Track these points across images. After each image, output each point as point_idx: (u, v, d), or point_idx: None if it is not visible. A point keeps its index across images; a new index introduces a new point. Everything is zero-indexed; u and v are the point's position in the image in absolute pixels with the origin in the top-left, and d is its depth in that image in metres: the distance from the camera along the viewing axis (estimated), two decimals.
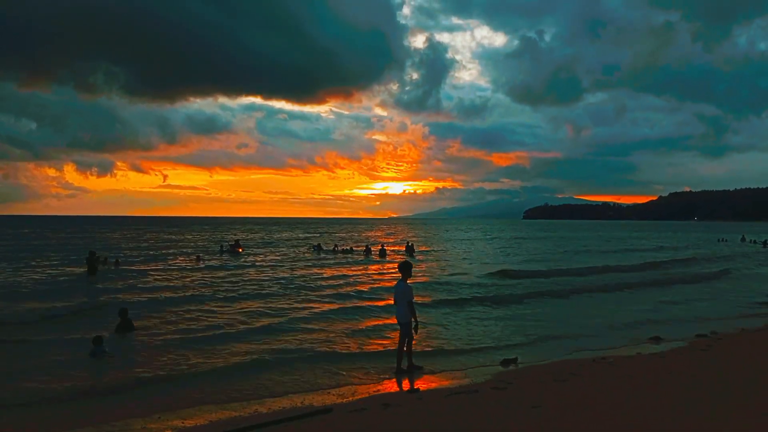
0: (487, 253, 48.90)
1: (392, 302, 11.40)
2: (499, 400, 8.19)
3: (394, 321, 15.79)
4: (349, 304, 19.08)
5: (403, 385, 10.03)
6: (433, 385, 9.90)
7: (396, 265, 14.35)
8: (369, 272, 30.92)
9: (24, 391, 9.57)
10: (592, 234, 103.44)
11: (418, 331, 11.01)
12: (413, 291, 10.92)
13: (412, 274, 10.93)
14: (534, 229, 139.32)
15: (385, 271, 31.46)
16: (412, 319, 10.60)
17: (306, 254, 45.39)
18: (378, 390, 9.74)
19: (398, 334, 11.01)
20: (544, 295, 21.86)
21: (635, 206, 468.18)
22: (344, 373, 10.94)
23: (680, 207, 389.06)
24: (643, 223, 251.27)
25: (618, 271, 32.90)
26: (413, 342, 11.00)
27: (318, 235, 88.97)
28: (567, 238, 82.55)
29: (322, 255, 44.34)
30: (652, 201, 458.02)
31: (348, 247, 49.86)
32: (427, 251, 50.40)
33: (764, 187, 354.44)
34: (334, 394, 9.47)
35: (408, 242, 52.05)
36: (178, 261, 37.47)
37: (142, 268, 31.88)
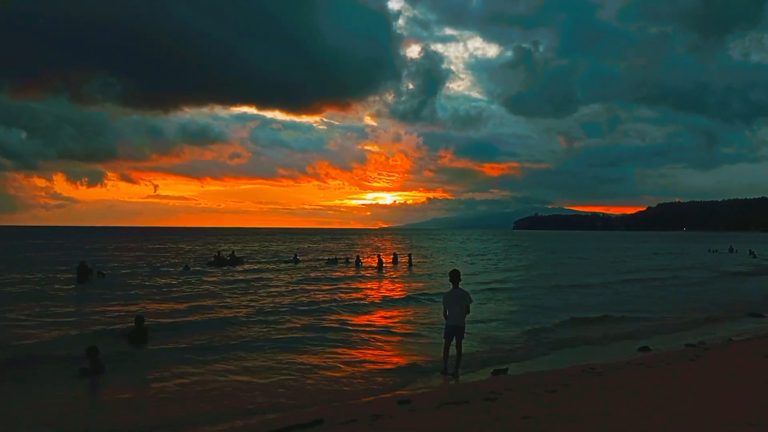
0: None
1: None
2: (489, 411, 8.21)
3: (376, 322, 15.80)
4: (338, 315, 19.09)
5: (394, 396, 10.03)
6: (425, 396, 9.91)
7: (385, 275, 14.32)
8: (361, 283, 30.87)
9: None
10: (595, 246, 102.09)
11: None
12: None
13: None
14: (545, 241, 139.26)
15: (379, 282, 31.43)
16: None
17: (284, 265, 44.89)
18: (369, 401, 9.73)
19: (444, 340, 11.53)
20: None
21: (624, 217, 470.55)
22: (335, 383, 10.94)
23: (669, 218, 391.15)
24: (635, 234, 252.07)
25: None
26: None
27: (310, 245, 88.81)
28: (592, 250, 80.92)
29: (307, 266, 43.89)
30: (641, 212, 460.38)
31: (332, 257, 49.47)
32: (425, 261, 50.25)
33: (753, 197, 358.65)
34: (324, 405, 9.45)
35: (395, 253, 51.96)
36: (165, 271, 37.34)
37: (130, 278, 31.70)
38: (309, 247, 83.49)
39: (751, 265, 49.09)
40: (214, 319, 17.94)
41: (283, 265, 44.42)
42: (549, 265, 47.91)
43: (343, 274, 36.00)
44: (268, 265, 44.09)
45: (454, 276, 11.55)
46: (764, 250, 71.35)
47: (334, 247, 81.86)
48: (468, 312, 11.54)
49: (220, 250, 54.00)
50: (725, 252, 68.61)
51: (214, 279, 32.26)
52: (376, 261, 43.03)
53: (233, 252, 50.18)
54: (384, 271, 38.53)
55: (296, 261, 47.61)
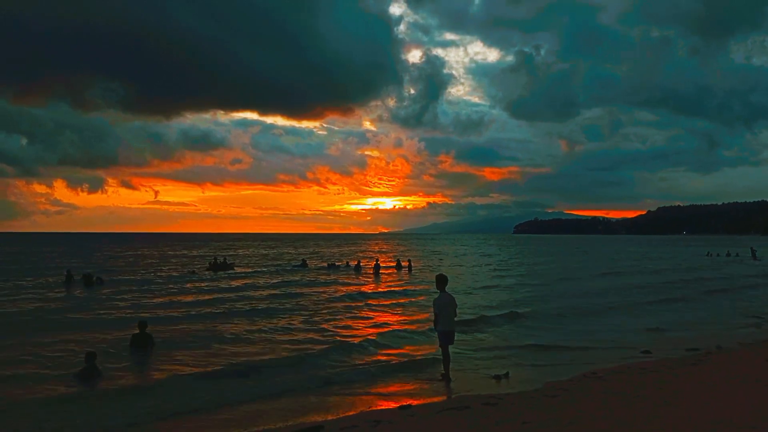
0: None
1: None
2: (490, 417, 8.20)
3: (382, 329, 15.73)
4: (337, 317, 19.06)
5: (394, 402, 10.00)
6: (425, 401, 9.88)
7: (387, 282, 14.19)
8: (360, 301, 30.71)
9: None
10: (604, 249, 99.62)
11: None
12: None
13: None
14: (558, 246, 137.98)
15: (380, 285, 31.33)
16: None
17: (292, 273, 44.48)
18: (369, 407, 9.71)
19: (438, 345, 11.62)
20: None
21: (624, 221, 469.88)
22: (335, 389, 10.91)
23: (669, 221, 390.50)
24: (635, 238, 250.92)
25: None
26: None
27: (315, 250, 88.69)
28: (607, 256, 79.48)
29: (311, 271, 43.68)
30: (641, 215, 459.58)
31: (333, 263, 49.43)
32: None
33: (753, 201, 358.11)
34: (325, 411, 9.43)
35: (398, 259, 51.87)
36: (167, 277, 37.27)
37: (129, 285, 31.63)
38: (313, 251, 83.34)
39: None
40: (217, 330, 17.56)
41: (285, 273, 43.86)
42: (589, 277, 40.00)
43: (344, 281, 35.53)
44: (280, 276, 39.99)
45: (442, 281, 11.71)
46: (764, 253, 70.96)
47: (335, 253, 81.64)
48: (455, 315, 11.76)
49: (216, 255, 56.40)
50: (723, 256, 68.14)
51: (218, 286, 32.13)
52: (374, 266, 42.59)
53: (225, 258, 51.32)
54: (383, 278, 38.34)
55: (304, 266, 47.87)
